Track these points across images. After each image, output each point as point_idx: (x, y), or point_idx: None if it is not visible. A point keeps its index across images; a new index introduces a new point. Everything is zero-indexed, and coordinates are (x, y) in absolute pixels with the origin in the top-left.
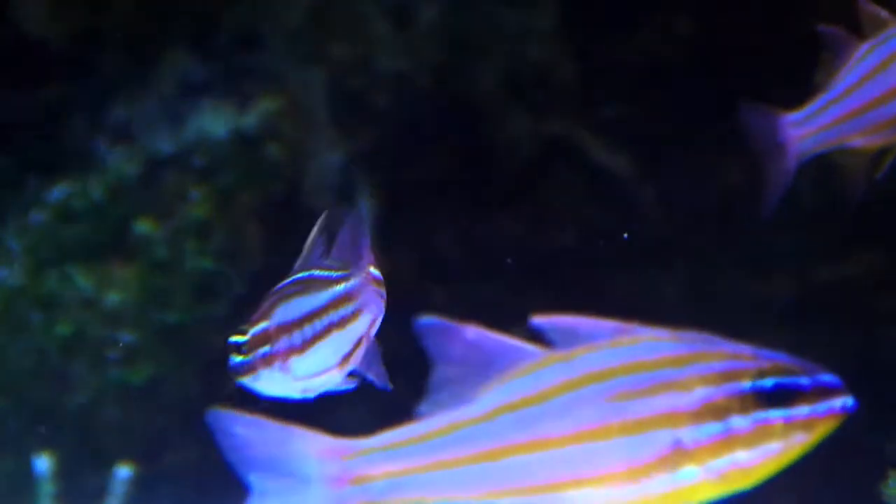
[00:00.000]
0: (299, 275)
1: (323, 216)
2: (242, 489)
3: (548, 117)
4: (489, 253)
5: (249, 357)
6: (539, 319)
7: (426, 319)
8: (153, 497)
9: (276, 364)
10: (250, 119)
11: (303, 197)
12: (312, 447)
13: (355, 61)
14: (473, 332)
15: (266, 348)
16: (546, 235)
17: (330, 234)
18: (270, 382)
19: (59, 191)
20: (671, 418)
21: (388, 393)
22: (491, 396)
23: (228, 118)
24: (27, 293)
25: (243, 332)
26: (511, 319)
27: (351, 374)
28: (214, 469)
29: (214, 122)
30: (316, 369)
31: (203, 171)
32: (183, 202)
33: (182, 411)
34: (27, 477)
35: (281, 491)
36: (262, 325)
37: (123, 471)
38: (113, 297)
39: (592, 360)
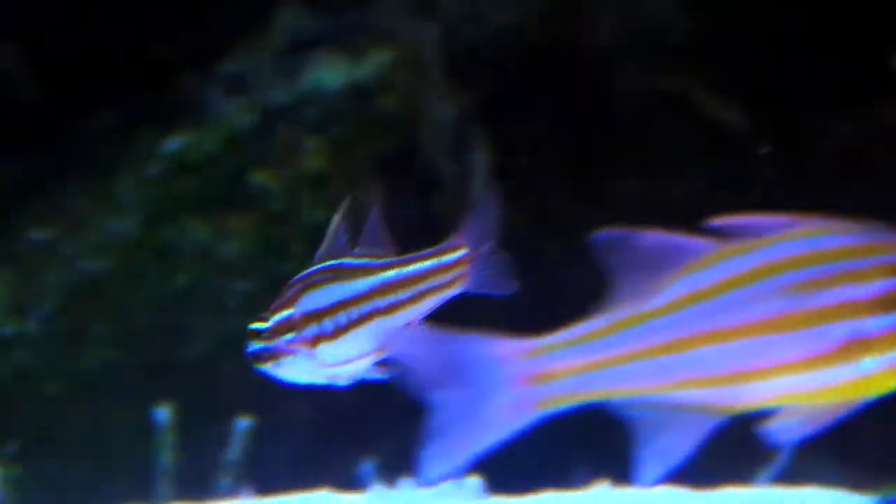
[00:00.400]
0: (327, 263)
1: (345, 203)
2: (359, 436)
3: (661, 72)
4: (601, 206)
5: (271, 343)
6: (716, 221)
7: (603, 232)
8: (272, 448)
9: (303, 351)
10: (364, 71)
11: (417, 150)
12: (493, 350)
13: (468, 14)
14: (652, 235)
15: (291, 335)
16: (658, 191)
17: (354, 222)
18: (294, 369)
19: (173, 143)
20: (851, 308)
21: None
22: (672, 289)
23: (342, 70)
24: (144, 245)
25: (264, 319)
26: None
27: (388, 362)
28: (332, 421)
29: (329, 74)
30: (347, 356)
31: (318, 122)
32: (298, 154)
33: None
34: (148, 428)
35: (466, 399)
36: (286, 312)
37: (243, 422)
38: (230, 248)
39: (770, 252)
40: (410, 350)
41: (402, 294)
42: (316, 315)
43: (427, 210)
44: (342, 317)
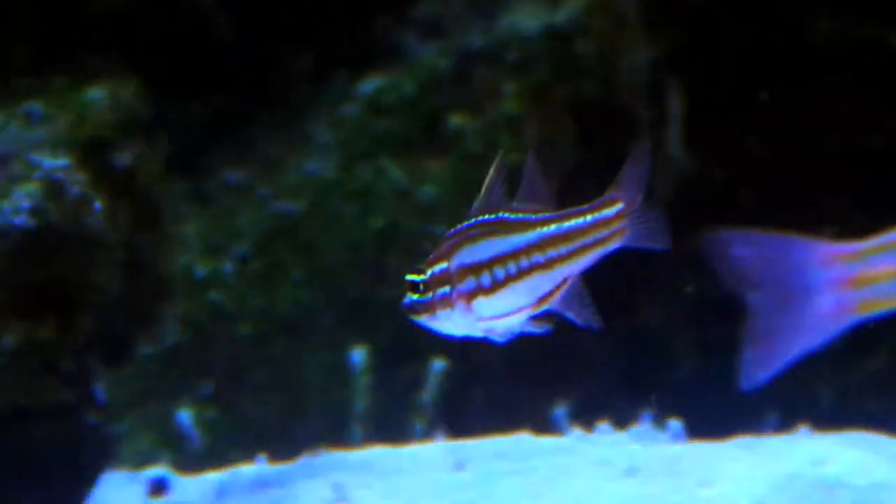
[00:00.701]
0: (483, 217)
1: (500, 157)
2: (552, 380)
3: (857, 17)
4: (795, 154)
5: (428, 296)
6: None
7: None
8: (465, 391)
9: (459, 304)
10: (561, 15)
11: (614, 94)
12: (812, 254)
13: None
14: None
15: (446, 289)
16: (855, 136)
17: (510, 177)
18: (450, 322)
19: (369, 85)
20: None
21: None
22: None
23: (539, 14)
24: (341, 186)
25: (421, 272)
26: (829, 218)
27: (546, 315)
28: (526, 364)
29: (525, 17)
30: (504, 311)
31: (515, 66)
32: (495, 96)
33: None
34: (343, 370)
35: (786, 302)
36: (442, 265)
37: (438, 364)
38: (426, 190)
39: None
40: (731, 251)
41: (561, 249)
42: (473, 269)
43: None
44: (500, 271)
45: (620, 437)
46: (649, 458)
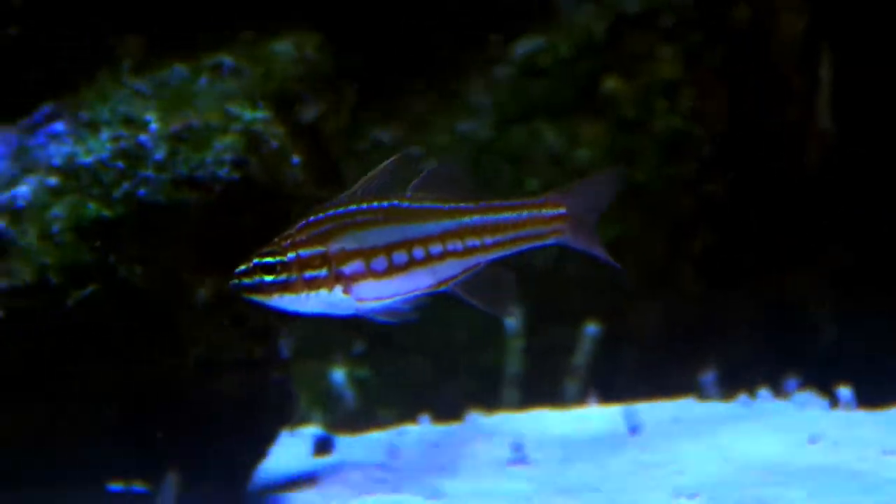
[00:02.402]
0: (371, 204)
1: (400, 155)
2: (701, 346)
3: None
4: None
5: (283, 276)
6: None
7: None
8: (616, 356)
9: (337, 287)
10: None
11: (767, 61)
12: None
13: None
14: None
15: (321, 271)
16: None
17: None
18: (316, 303)
19: (524, 47)
20: None
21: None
22: None
23: None
24: (496, 148)
25: (273, 254)
26: None
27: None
28: (676, 329)
29: None
30: (392, 293)
31: (670, 30)
32: (650, 61)
33: (647, 272)
34: (497, 331)
35: None
36: (314, 248)
37: (591, 328)
38: (581, 154)
39: None
40: None
41: (486, 238)
42: (362, 253)
43: (779, 120)
44: (400, 256)
45: (782, 404)
46: (827, 425)
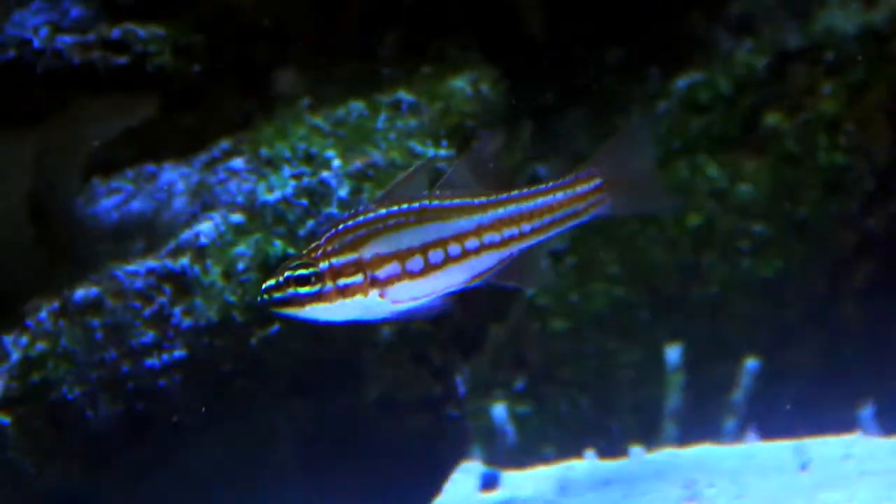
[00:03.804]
0: (400, 207)
1: (415, 166)
2: (859, 381)
3: None
4: None
5: (318, 287)
6: None
7: None
8: (776, 390)
9: (373, 291)
10: (879, 14)
11: None
12: None
13: None
14: None
15: (357, 278)
16: None
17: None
18: (352, 309)
19: (684, 81)
20: None
21: None
22: None
23: (856, 13)
24: None
25: (308, 265)
26: None
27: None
28: (835, 364)
29: (842, 16)
30: (428, 292)
31: (832, 65)
32: (812, 96)
33: (808, 306)
34: (657, 366)
35: None
36: (349, 256)
37: (751, 363)
38: (743, 189)
39: None
40: None
41: (525, 226)
42: (397, 255)
43: None
44: (437, 254)
45: None
46: None
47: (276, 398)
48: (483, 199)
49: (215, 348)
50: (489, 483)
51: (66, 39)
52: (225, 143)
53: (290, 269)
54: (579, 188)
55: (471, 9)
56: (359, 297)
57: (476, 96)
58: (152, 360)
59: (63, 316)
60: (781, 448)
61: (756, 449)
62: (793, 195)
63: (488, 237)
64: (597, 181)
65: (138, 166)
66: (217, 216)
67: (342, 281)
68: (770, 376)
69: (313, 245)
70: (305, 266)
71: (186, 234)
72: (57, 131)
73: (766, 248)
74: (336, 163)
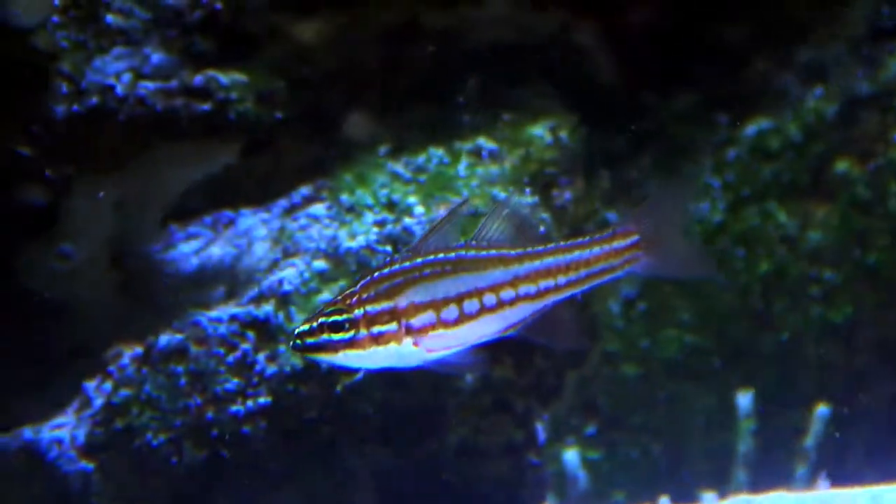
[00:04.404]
0: (437, 256)
1: (453, 206)
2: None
3: None
4: None
5: (352, 334)
6: None
7: None
8: (847, 437)
9: (406, 339)
10: None
11: None
12: None
13: None
14: None
15: (391, 326)
16: None
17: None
18: (384, 357)
19: (752, 128)
20: None
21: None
22: None
23: None
24: (728, 229)
25: (340, 312)
26: None
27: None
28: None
29: None
30: (463, 341)
31: None
32: (883, 143)
33: (878, 351)
34: (728, 413)
35: None
36: (384, 304)
37: (822, 410)
38: (813, 236)
39: None
40: None
41: (560, 279)
42: (432, 304)
43: None
44: (472, 304)
45: None
46: None
47: (359, 445)
48: (520, 250)
49: (300, 395)
50: None
51: (148, 86)
52: (304, 190)
53: (325, 314)
54: (616, 243)
55: (545, 56)
56: (392, 345)
57: (555, 143)
58: (236, 407)
59: (146, 363)
60: (857, 495)
61: (830, 496)
62: (863, 241)
63: (524, 288)
64: (634, 237)
65: (215, 212)
66: (300, 263)
67: (376, 328)
68: (840, 423)
69: (348, 292)
70: (339, 312)
71: (269, 281)
72: (138, 177)
73: (836, 295)
74: (419, 210)
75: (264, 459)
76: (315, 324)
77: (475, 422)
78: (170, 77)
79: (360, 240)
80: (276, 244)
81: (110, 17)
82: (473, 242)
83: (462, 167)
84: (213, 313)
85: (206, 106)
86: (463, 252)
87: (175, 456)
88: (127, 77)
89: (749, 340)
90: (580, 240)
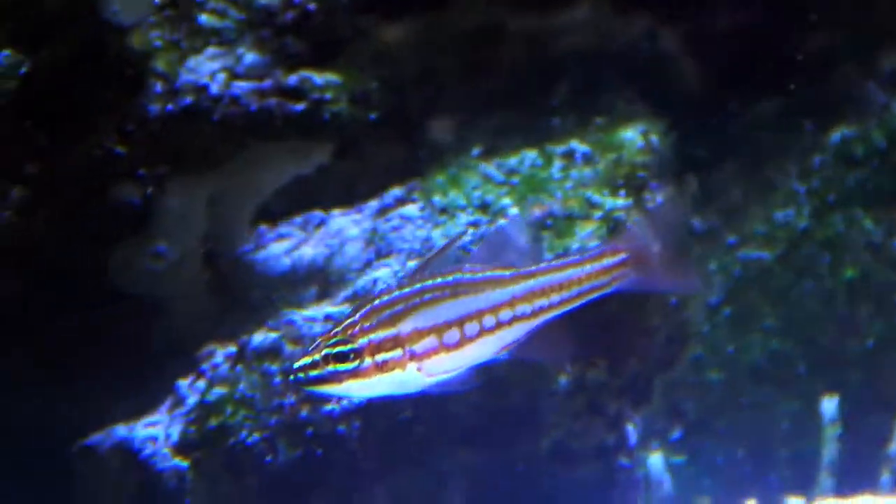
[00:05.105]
0: (434, 281)
1: (454, 236)
2: None
3: None
4: None
5: (357, 364)
6: None
7: None
8: None
9: (410, 365)
10: None
11: None
12: None
13: None
14: None
15: (395, 353)
16: None
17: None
18: (388, 384)
19: (837, 135)
20: None
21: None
22: None
23: None
24: (813, 235)
25: (343, 343)
26: None
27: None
28: None
29: None
30: (463, 363)
31: None
32: None
33: None
34: (812, 419)
35: None
36: (387, 332)
37: None
38: None
39: None
40: None
41: (553, 298)
42: (434, 330)
43: None
44: (472, 327)
45: None
46: None
47: (452, 447)
48: (513, 271)
49: (394, 395)
50: None
51: (242, 86)
52: (396, 191)
53: (328, 346)
54: (606, 261)
55: (629, 62)
56: (397, 372)
57: (647, 147)
58: (331, 406)
59: (240, 361)
60: None
61: None
62: None
63: (520, 308)
64: (622, 255)
65: (305, 213)
66: (394, 263)
67: (381, 357)
68: None
69: (348, 322)
70: (343, 343)
71: (363, 281)
72: (231, 177)
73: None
74: (513, 211)
75: (357, 459)
76: (318, 356)
77: (568, 424)
78: (264, 77)
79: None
80: (369, 245)
81: (203, 18)
82: (467, 266)
83: (555, 169)
84: (307, 312)
85: (301, 106)
86: (460, 275)
87: (269, 454)
88: (221, 77)
89: (834, 346)
90: (571, 258)
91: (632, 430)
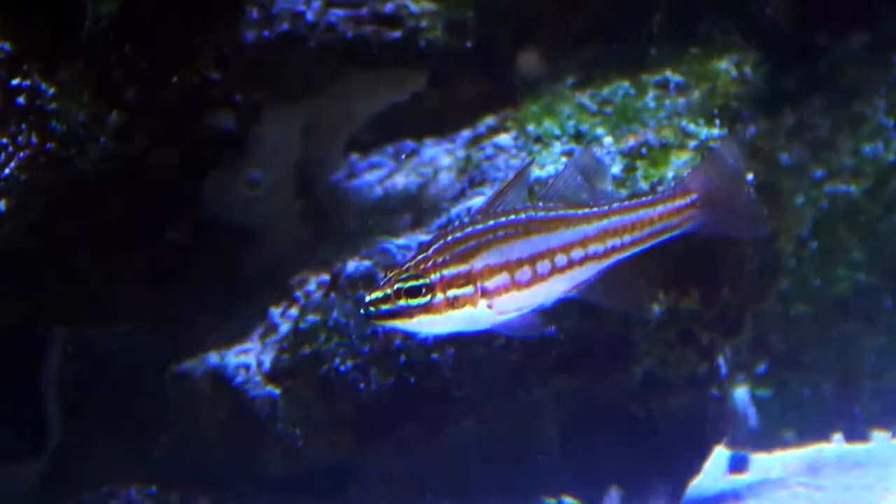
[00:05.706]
0: (508, 218)
1: (521, 168)
2: None
3: None
4: None
5: (429, 298)
6: None
7: None
8: None
9: (482, 302)
10: None
11: None
12: None
13: None
14: None
15: (468, 289)
16: None
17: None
18: (459, 321)
19: None
20: None
21: None
22: None
23: None
24: None
25: (417, 277)
26: None
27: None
28: None
29: None
30: (533, 302)
31: None
32: None
33: None
34: None
35: None
36: (460, 268)
37: None
38: None
39: None
40: None
41: (626, 238)
42: (506, 266)
43: None
44: (544, 265)
45: None
46: None
47: (544, 375)
48: (587, 210)
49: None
50: (738, 466)
51: (338, 13)
52: (489, 120)
53: (401, 280)
54: (678, 202)
55: None
56: (468, 309)
57: (740, 78)
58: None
59: (334, 289)
60: None
61: None
62: None
63: (592, 248)
64: (693, 196)
65: (397, 142)
66: (488, 191)
67: (452, 292)
68: None
69: (421, 257)
70: (416, 277)
71: (457, 209)
72: (326, 105)
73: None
74: (608, 140)
75: (451, 388)
76: (391, 290)
77: (661, 353)
78: (360, 5)
79: (549, 169)
80: (462, 174)
81: None
82: (540, 203)
83: (649, 99)
84: (401, 241)
85: (397, 34)
86: (532, 213)
87: (362, 382)
88: (317, 4)
89: None
90: (643, 199)
91: (722, 362)
